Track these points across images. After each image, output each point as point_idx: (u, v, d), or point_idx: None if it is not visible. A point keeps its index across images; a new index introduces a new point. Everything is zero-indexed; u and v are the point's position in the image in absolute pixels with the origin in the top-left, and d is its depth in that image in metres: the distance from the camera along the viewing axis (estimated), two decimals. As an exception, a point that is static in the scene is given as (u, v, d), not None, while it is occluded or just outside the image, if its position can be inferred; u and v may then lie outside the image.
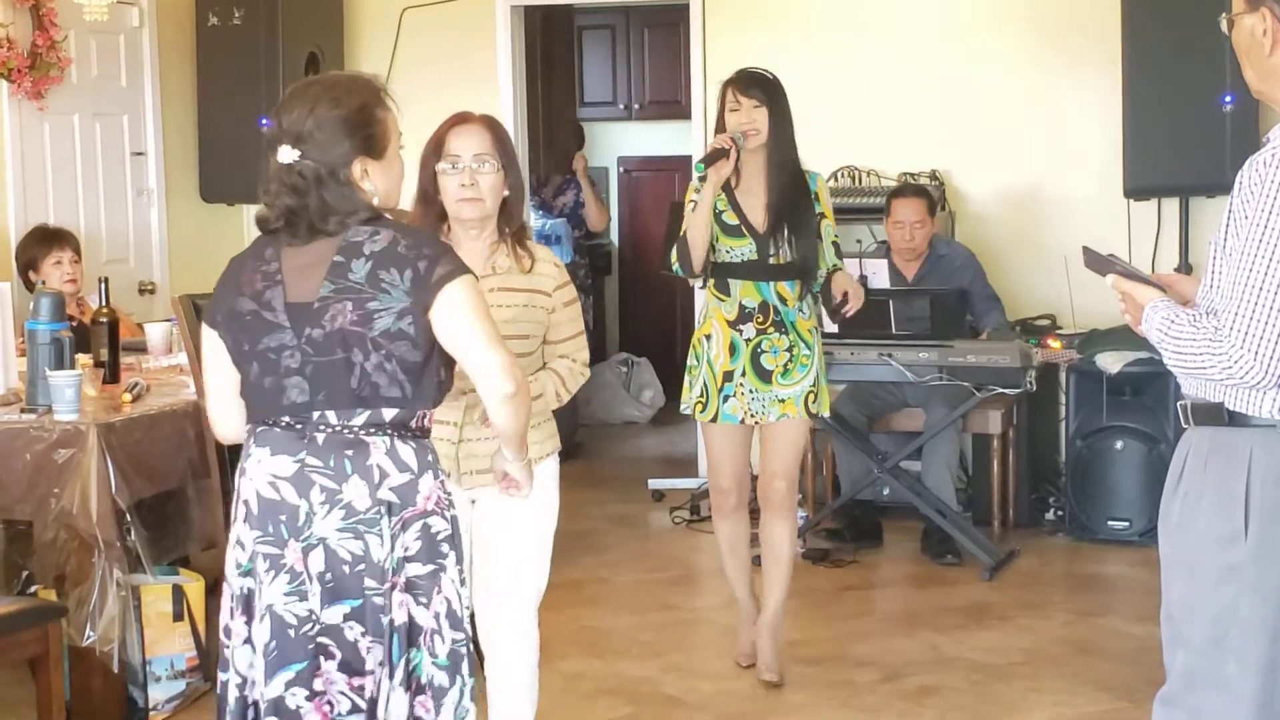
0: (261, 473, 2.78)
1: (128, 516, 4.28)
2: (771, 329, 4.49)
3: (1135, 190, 6.42)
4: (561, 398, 3.53)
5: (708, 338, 4.55)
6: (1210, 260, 2.67)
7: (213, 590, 4.63)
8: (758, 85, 4.47)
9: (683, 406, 4.62)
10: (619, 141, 10.18)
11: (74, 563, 4.25)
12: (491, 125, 3.51)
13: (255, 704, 2.80)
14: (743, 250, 4.48)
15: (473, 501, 3.53)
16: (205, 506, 4.66)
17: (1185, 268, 6.34)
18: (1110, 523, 6.20)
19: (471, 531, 3.52)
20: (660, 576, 5.96)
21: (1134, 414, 6.17)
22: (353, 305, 2.73)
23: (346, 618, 2.76)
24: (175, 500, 4.66)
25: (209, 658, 4.57)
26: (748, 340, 4.49)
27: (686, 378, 4.62)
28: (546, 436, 3.59)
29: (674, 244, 6.51)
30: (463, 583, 2.85)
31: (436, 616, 2.79)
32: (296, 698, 2.77)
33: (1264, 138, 2.63)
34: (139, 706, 4.40)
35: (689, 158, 7.61)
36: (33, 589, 4.40)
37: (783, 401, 4.50)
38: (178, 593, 4.47)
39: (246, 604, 2.82)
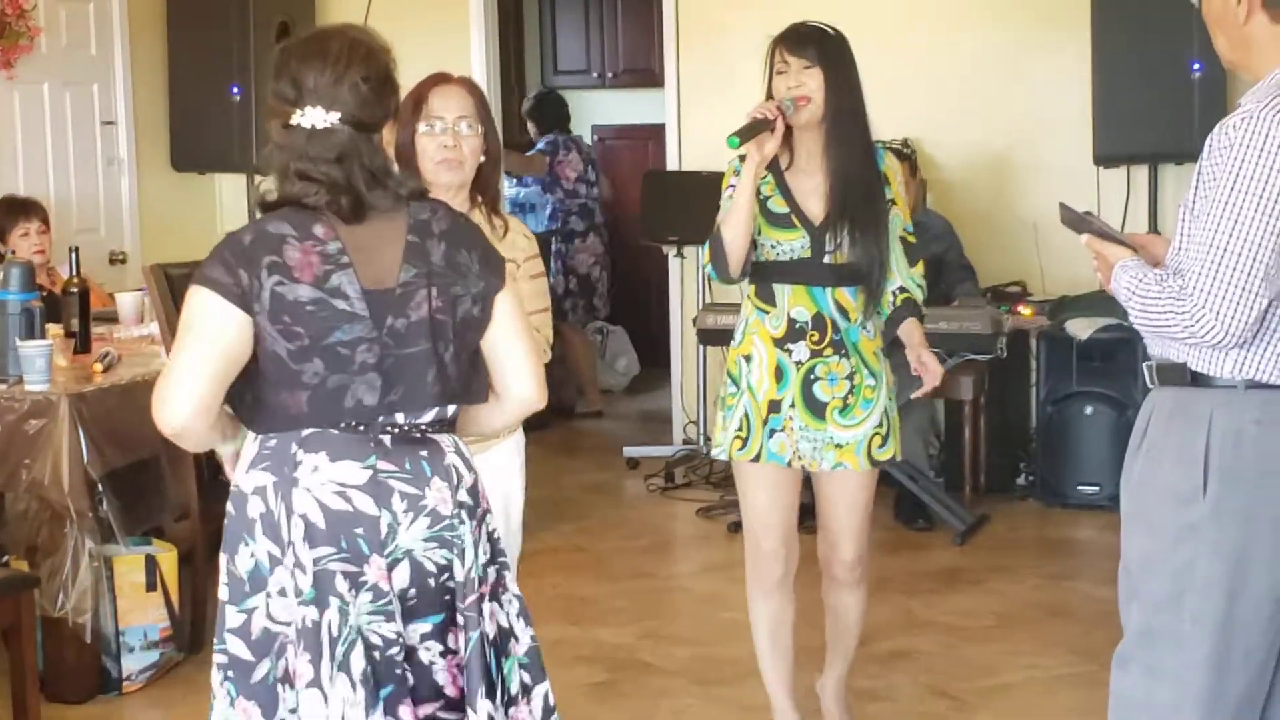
0: (322, 482, 2.41)
1: (99, 487, 4.24)
2: (829, 350, 3.58)
3: (1104, 157, 6.41)
4: None
5: (746, 359, 3.65)
6: (1179, 222, 2.67)
7: (185, 560, 4.63)
8: (811, 42, 3.58)
9: (715, 450, 3.72)
10: (594, 110, 10.09)
11: (46, 534, 4.22)
12: (472, 87, 3.40)
13: None
14: (793, 246, 3.59)
15: None
16: (178, 477, 4.62)
17: (1154, 233, 6.34)
18: (1080, 487, 6.21)
19: None
20: (636, 544, 5.95)
21: (1103, 380, 6.18)
22: (438, 291, 2.46)
23: (425, 637, 2.48)
24: (148, 470, 4.62)
25: (182, 628, 4.56)
26: (799, 363, 3.59)
27: (720, 413, 3.72)
28: None
29: (650, 214, 6.11)
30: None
31: (509, 616, 2.56)
32: None
33: (1237, 101, 2.63)
34: (112, 677, 4.37)
35: (663, 126, 7.58)
36: (4, 559, 4.37)
37: (840, 447, 3.59)
38: (150, 563, 4.43)
39: (312, 639, 2.41)
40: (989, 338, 5.69)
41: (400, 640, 2.44)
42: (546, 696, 2.60)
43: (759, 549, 3.73)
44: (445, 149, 3.28)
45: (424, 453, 2.48)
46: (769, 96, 3.58)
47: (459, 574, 2.48)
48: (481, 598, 2.50)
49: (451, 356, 2.48)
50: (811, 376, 3.59)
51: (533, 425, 7.99)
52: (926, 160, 6.99)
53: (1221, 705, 2.64)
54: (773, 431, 3.60)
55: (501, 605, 2.55)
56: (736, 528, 5.93)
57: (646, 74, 9.25)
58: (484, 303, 2.52)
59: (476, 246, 2.53)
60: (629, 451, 7.20)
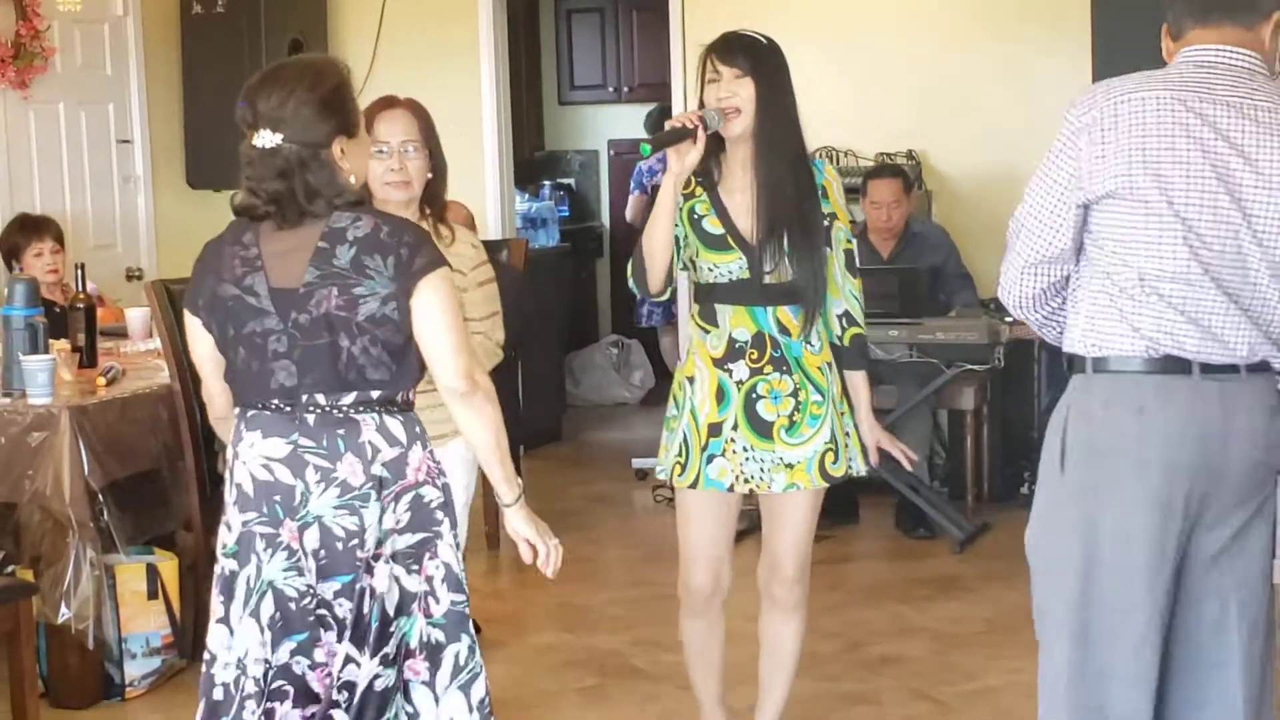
0: (254, 456, 2.81)
1: (101, 498, 4.38)
2: (769, 367, 3.48)
3: (1106, 167, 6.47)
4: None
5: (690, 380, 3.55)
6: None
7: (190, 569, 4.76)
8: (742, 51, 3.44)
9: (658, 470, 3.65)
10: (609, 124, 10.24)
11: (48, 543, 4.35)
12: (417, 110, 3.60)
13: (222, 683, 2.87)
14: (730, 268, 3.47)
15: None
16: (180, 488, 4.76)
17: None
18: (1083, 496, 6.27)
19: None
20: (637, 553, 6.05)
21: (1106, 388, 6.23)
22: (338, 290, 2.74)
23: (337, 594, 2.81)
24: (153, 481, 4.76)
25: (184, 635, 4.69)
26: (739, 383, 3.49)
27: (664, 433, 3.62)
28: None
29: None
30: (459, 549, 2.89)
31: (429, 580, 2.83)
32: (300, 665, 2.84)
33: None
34: (115, 683, 4.50)
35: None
36: (10, 569, 4.51)
37: (790, 467, 3.50)
38: (151, 571, 4.56)
39: (226, 585, 2.86)
40: (986, 348, 5.78)
41: (312, 592, 2.81)
42: (457, 655, 2.86)
43: (688, 578, 3.71)
44: (392, 172, 3.53)
45: (341, 431, 2.78)
46: (700, 106, 3.46)
47: (369, 539, 2.78)
48: (378, 558, 2.79)
49: (360, 349, 2.76)
50: (754, 395, 3.49)
51: (548, 437, 8.11)
52: (931, 172, 7.09)
53: (1085, 680, 2.78)
54: (711, 457, 3.50)
55: (413, 570, 2.82)
56: (738, 536, 6.00)
57: (660, 88, 9.36)
58: (396, 302, 2.75)
59: (392, 253, 2.75)
60: (638, 463, 7.30)
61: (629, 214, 8.85)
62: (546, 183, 9.76)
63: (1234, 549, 2.80)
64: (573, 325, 9.19)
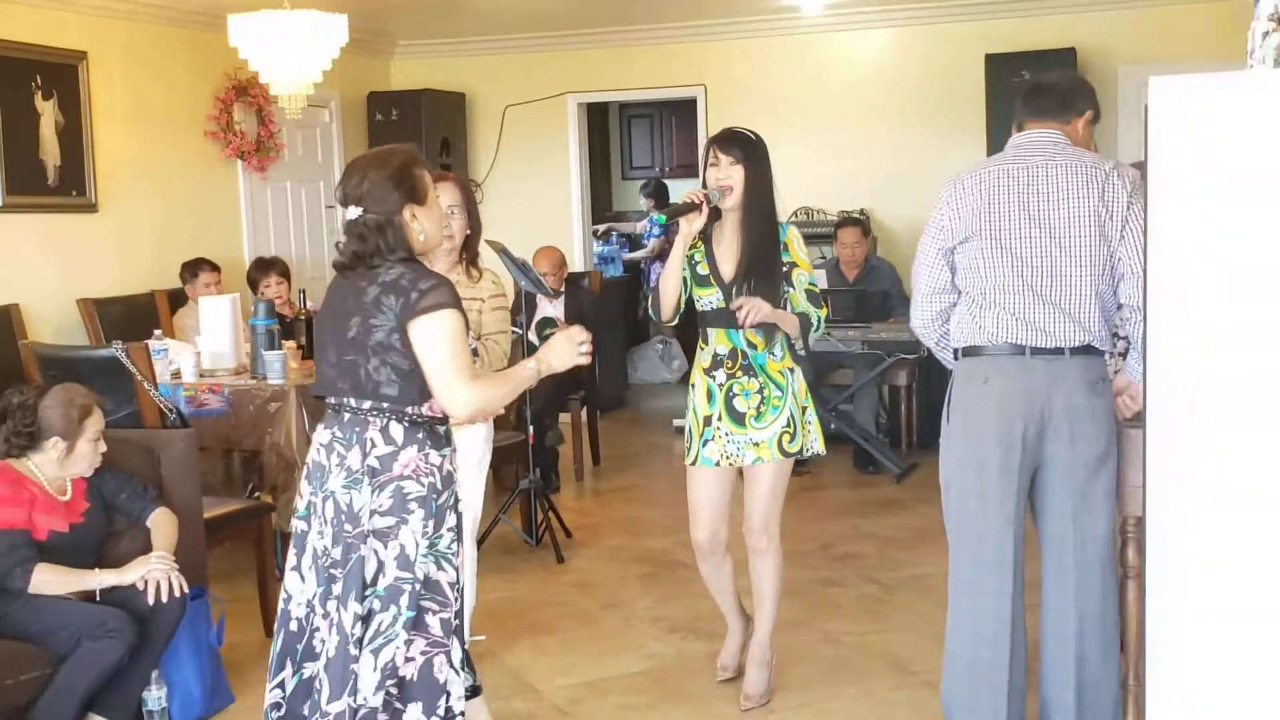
0: (316, 440, 2.55)
1: (316, 446, 4.38)
2: (740, 373, 3.28)
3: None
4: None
5: (692, 386, 3.36)
6: None
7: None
8: (737, 144, 3.24)
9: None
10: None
11: (282, 476, 4.36)
12: (460, 183, 3.35)
13: (296, 617, 2.54)
14: (711, 299, 3.28)
15: None
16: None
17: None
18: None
19: None
20: (679, 482, 5.88)
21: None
22: (360, 320, 2.45)
23: (344, 555, 2.48)
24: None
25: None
26: (720, 385, 3.29)
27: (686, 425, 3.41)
28: None
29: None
30: (425, 536, 2.45)
31: (390, 557, 2.46)
32: (316, 616, 2.52)
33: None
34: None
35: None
36: (256, 494, 4.54)
37: (757, 445, 3.27)
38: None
39: (299, 541, 2.55)
40: (914, 343, 5.71)
41: (327, 553, 2.48)
42: (380, 623, 2.45)
43: (694, 532, 3.44)
44: (444, 228, 3.20)
45: (357, 428, 2.47)
46: (704, 184, 3.26)
47: (353, 512, 2.45)
48: (364, 535, 2.44)
49: (373, 367, 2.45)
50: (731, 394, 3.28)
51: (617, 405, 8.02)
52: (879, 224, 7.02)
53: (961, 584, 2.83)
54: (706, 441, 3.30)
55: (385, 546, 2.45)
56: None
57: (692, 167, 9.33)
58: (399, 334, 2.42)
59: (404, 295, 2.42)
60: (676, 423, 7.24)
61: (646, 253, 8.80)
62: (614, 233, 9.73)
63: (1080, 484, 2.72)
64: (632, 329, 9.14)
